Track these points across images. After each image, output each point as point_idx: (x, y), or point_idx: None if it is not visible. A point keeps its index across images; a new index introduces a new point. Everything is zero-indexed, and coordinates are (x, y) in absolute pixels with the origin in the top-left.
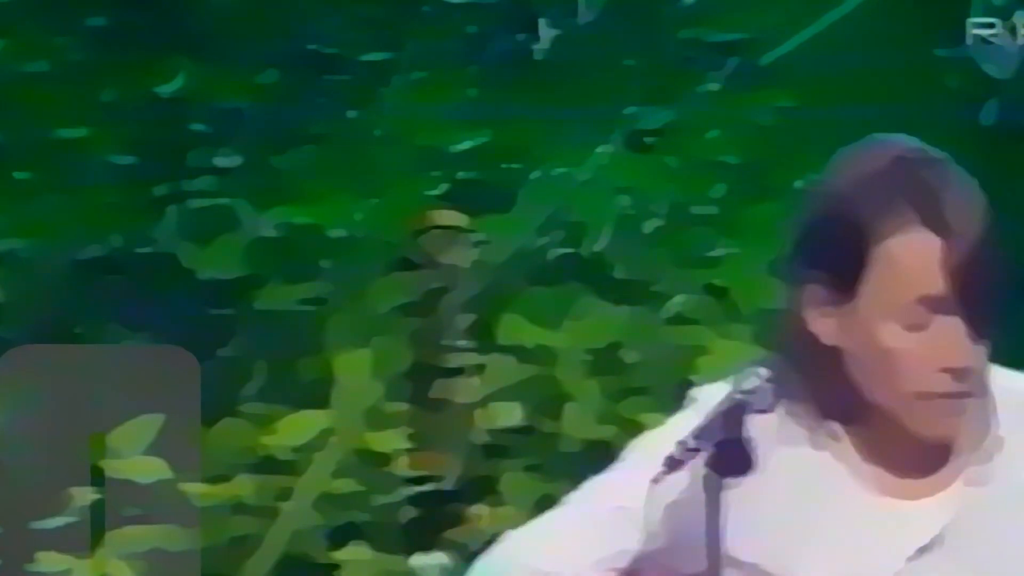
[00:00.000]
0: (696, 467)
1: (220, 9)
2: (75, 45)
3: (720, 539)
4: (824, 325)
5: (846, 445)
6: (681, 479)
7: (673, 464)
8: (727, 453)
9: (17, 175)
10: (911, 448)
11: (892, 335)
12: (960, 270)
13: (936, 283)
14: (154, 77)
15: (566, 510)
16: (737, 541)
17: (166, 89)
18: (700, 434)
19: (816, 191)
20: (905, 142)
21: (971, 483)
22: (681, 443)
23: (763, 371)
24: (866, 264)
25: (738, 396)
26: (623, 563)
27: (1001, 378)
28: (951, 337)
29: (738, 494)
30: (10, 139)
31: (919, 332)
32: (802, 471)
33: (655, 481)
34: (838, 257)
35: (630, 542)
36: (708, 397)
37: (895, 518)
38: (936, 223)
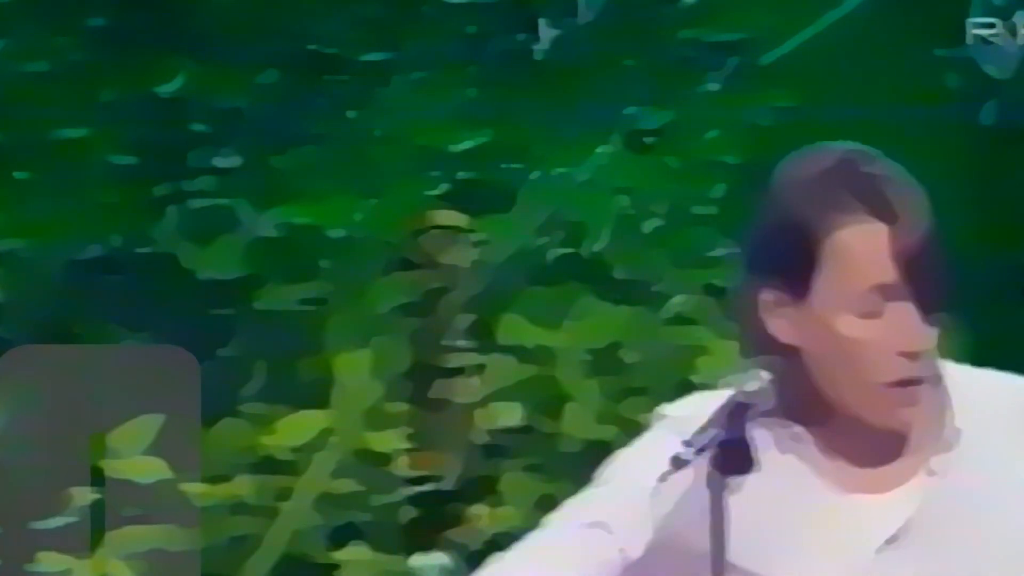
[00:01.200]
0: (700, 466)
1: (220, 9)
2: (75, 45)
3: (724, 535)
4: (782, 326)
5: (809, 446)
6: (686, 478)
7: (678, 463)
8: (730, 452)
9: (17, 175)
10: (872, 445)
11: (848, 325)
12: (909, 256)
13: (887, 271)
14: (154, 77)
15: (547, 531)
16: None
17: (166, 89)
18: (704, 434)
19: (763, 198)
20: (844, 145)
21: (932, 474)
22: (686, 443)
23: (765, 373)
24: (817, 260)
25: (741, 397)
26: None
27: (955, 372)
28: (905, 322)
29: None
30: (10, 139)
31: (874, 320)
32: (769, 473)
33: (661, 480)
34: (790, 257)
35: (610, 555)
36: (677, 414)
37: (862, 513)
38: (883, 212)
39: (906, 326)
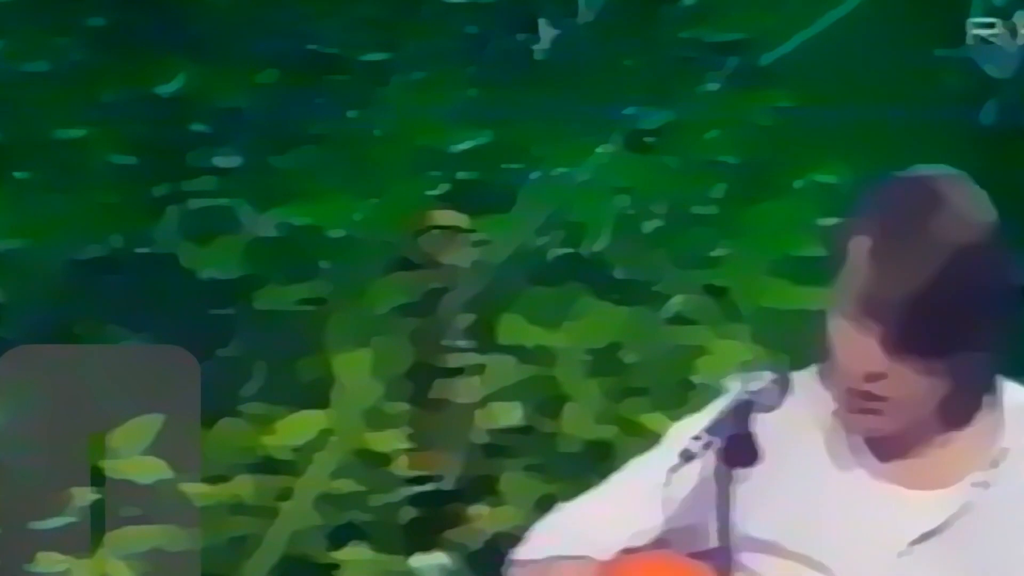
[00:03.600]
0: (708, 459)
1: (220, 9)
2: (75, 45)
3: (729, 522)
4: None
5: (856, 437)
6: (695, 470)
7: (688, 456)
8: (735, 447)
9: (17, 175)
10: (915, 446)
11: (834, 324)
12: (892, 283)
13: (866, 283)
14: (154, 77)
15: (611, 487)
16: (756, 521)
17: (166, 89)
18: (712, 430)
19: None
20: (918, 171)
21: (976, 484)
22: (695, 438)
23: (768, 373)
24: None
25: (746, 395)
26: (656, 534)
27: (1014, 393)
28: (867, 340)
29: (758, 480)
30: (10, 139)
31: (850, 328)
32: (816, 458)
33: (672, 471)
34: (835, 249)
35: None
36: (738, 388)
37: (899, 504)
38: (880, 234)
39: (868, 345)
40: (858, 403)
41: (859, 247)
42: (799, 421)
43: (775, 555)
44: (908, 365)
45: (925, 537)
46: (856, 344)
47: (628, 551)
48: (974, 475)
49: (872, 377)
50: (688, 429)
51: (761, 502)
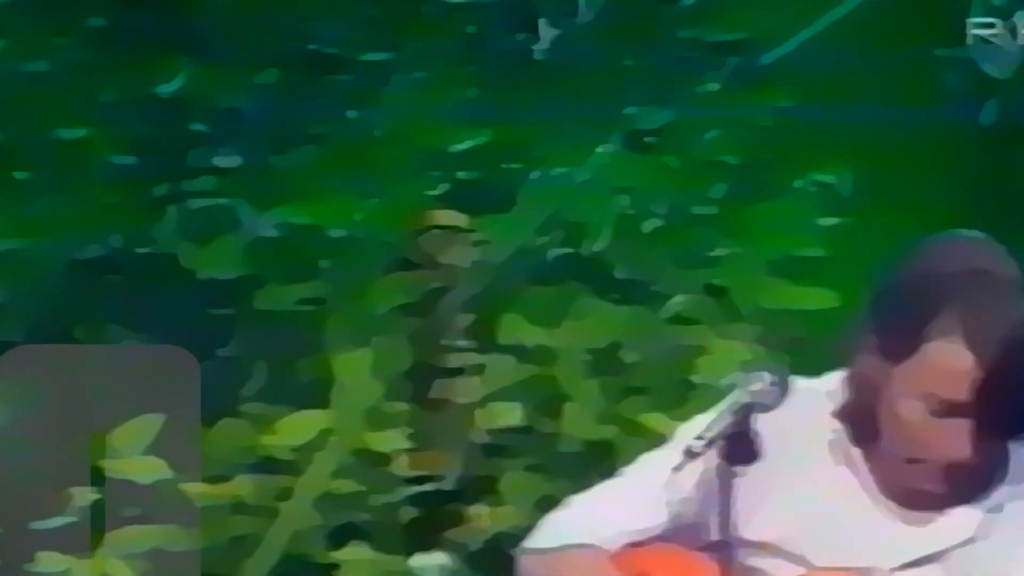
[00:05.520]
0: (710, 458)
1: (220, 9)
2: (75, 45)
3: (731, 517)
4: (867, 362)
5: (860, 460)
6: (698, 467)
7: (691, 454)
8: (736, 446)
9: (17, 175)
10: (918, 482)
11: (911, 411)
12: (986, 384)
13: (961, 392)
14: (154, 77)
15: (620, 482)
16: (754, 520)
17: (166, 89)
18: (713, 429)
19: (896, 270)
20: (977, 250)
21: (972, 527)
22: (698, 437)
23: (767, 374)
24: (909, 350)
25: (746, 396)
26: (661, 529)
27: None
28: (957, 435)
29: (757, 480)
30: (10, 139)
31: (934, 418)
32: (814, 466)
33: (676, 469)
34: (890, 334)
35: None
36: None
37: (893, 523)
38: (975, 341)
39: (956, 438)
40: (911, 471)
41: (947, 354)
42: (800, 428)
43: (772, 554)
44: (984, 451)
45: (918, 563)
46: (947, 437)
47: (634, 545)
48: (971, 515)
49: (959, 469)
50: (696, 428)
51: (759, 502)
